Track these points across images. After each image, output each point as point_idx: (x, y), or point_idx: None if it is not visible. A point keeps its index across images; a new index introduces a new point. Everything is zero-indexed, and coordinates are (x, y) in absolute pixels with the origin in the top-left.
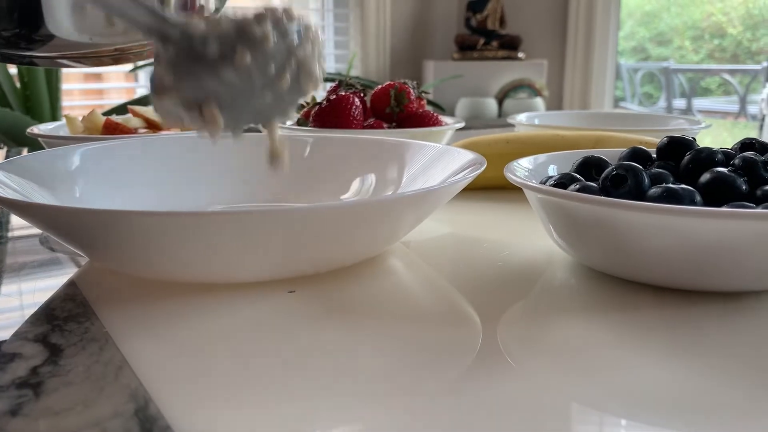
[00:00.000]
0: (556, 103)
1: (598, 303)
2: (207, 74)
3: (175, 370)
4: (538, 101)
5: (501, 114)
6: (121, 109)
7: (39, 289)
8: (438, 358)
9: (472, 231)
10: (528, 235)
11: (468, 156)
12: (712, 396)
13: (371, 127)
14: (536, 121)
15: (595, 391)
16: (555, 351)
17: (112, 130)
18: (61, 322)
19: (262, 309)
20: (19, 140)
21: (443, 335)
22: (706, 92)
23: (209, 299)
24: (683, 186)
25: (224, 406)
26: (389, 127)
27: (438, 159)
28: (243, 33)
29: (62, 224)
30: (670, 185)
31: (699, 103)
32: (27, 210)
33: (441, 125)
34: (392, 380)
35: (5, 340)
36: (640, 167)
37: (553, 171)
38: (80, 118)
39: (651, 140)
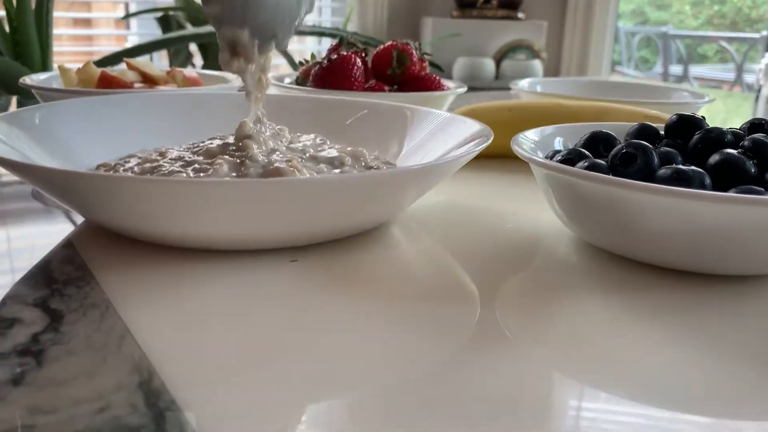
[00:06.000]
0: (554, 65)
1: (600, 281)
2: None
3: (178, 341)
4: (536, 64)
5: (498, 75)
6: (114, 59)
7: (37, 246)
8: (437, 332)
9: (474, 200)
10: (530, 207)
11: (475, 127)
12: (711, 379)
13: (372, 89)
14: (538, 88)
15: (595, 370)
16: (554, 329)
17: (107, 83)
18: (60, 286)
19: (265, 278)
20: (9, 88)
21: (443, 309)
22: (702, 59)
23: (210, 266)
24: (693, 168)
25: (227, 379)
26: (390, 90)
27: (444, 127)
28: None
29: (62, 187)
30: (681, 167)
31: (695, 70)
32: (25, 171)
33: (443, 89)
34: (392, 353)
35: (4, 304)
36: (650, 146)
37: (559, 144)
38: (75, 70)
39: (654, 113)
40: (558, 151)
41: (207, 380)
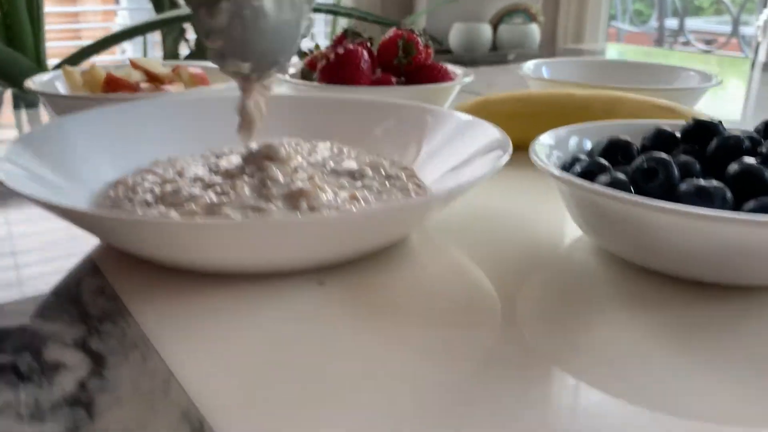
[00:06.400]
0: (551, 27)
1: (623, 295)
2: None
3: (222, 382)
4: (533, 28)
5: (496, 41)
6: (108, 42)
7: (60, 260)
8: (463, 355)
9: (490, 200)
10: (544, 208)
11: (493, 133)
12: (748, 400)
13: (379, 81)
14: (544, 72)
15: (624, 395)
16: (580, 350)
17: (113, 86)
18: (96, 322)
19: (296, 305)
20: (5, 76)
21: (467, 330)
22: (698, 11)
23: (239, 291)
24: (714, 184)
25: (276, 421)
26: (398, 81)
27: (463, 131)
28: None
29: (96, 228)
30: (702, 182)
31: (691, 23)
32: (60, 212)
33: (450, 79)
34: (422, 378)
35: (45, 346)
36: (670, 160)
37: (574, 143)
38: (80, 72)
39: (665, 104)
40: (577, 159)
41: (256, 424)
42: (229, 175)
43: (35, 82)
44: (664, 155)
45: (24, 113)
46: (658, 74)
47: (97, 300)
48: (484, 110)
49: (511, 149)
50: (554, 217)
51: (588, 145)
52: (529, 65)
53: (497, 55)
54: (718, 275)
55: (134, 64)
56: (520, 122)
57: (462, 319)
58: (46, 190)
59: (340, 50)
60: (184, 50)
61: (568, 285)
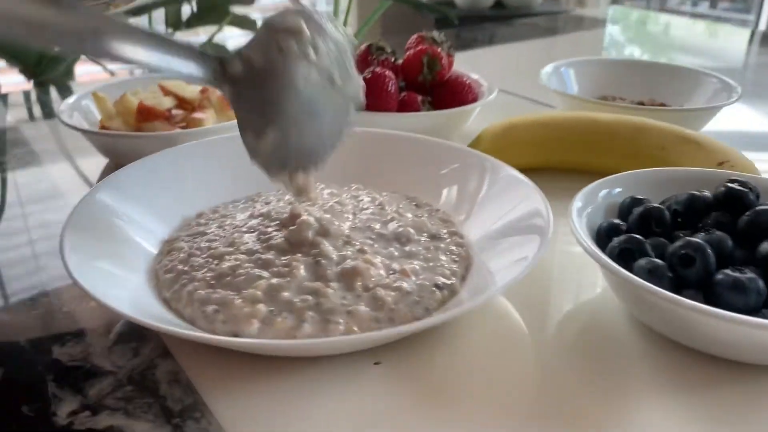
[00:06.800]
0: None
1: (667, 375)
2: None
3: None
4: None
5: None
6: None
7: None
8: None
9: None
10: (577, 260)
11: (536, 201)
12: None
13: (405, 103)
14: (564, 77)
15: None
16: None
17: (146, 115)
18: (178, 419)
19: (353, 385)
20: (17, 60)
21: (516, 411)
22: None
23: (301, 373)
24: (748, 275)
25: None
26: (423, 100)
27: (507, 188)
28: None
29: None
30: (737, 276)
31: None
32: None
33: (474, 94)
34: None
35: None
36: (706, 246)
37: (604, 195)
38: (111, 102)
39: (689, 135)
40: (613, 225)
41: None
42: (282, 250)
43: (65, 112)
44: (701, 242)
45: (44, 124)
46: (678, 78)
47: (173, 391)
48: (510, 135)
49: (551, 232)
50: (587, 275)
51: (617, 191)
52: (548, 70)
53: (503, 13)
54: (754, 359)
55: (164, 90)
56: (546, 147)
57: (511, 398)
58: (109, 269)
59: (367, 75)
60: (185, 10)
61: (611, 360)
